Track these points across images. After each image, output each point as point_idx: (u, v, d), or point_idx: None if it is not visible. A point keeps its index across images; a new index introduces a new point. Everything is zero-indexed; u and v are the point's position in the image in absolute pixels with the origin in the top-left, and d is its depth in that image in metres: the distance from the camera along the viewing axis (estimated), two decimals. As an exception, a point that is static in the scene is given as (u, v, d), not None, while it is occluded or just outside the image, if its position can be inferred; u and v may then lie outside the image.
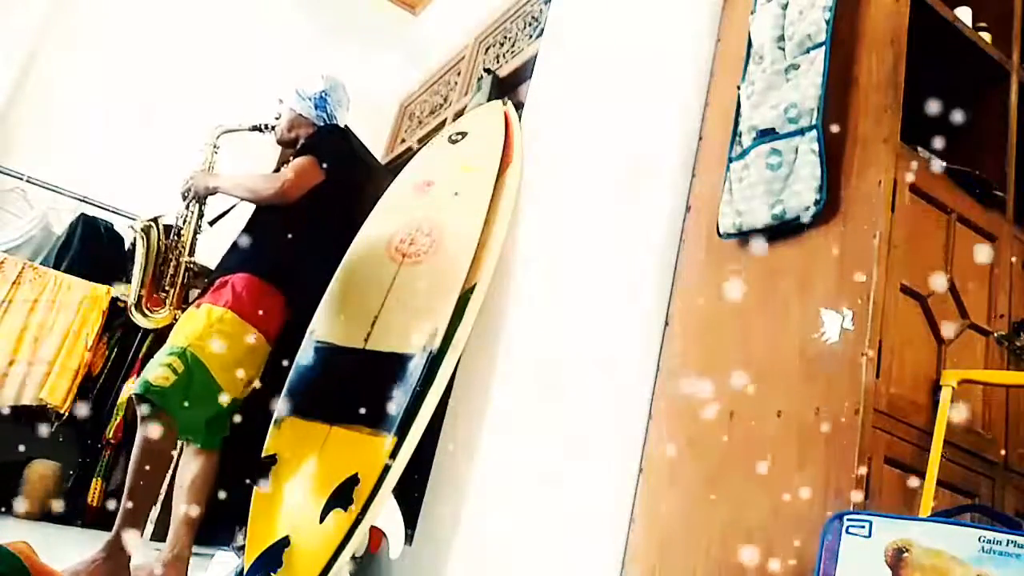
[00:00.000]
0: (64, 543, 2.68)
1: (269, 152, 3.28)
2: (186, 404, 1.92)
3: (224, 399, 2.01)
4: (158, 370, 1.92)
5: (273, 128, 2.43)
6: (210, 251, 2.37)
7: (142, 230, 2.36)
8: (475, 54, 3.62)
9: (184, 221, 2.40)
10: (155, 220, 2.39)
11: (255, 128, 2.46)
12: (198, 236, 2.41)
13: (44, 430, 3.11)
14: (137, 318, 2.34)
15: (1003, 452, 1.65)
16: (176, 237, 2.40)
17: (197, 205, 2.40)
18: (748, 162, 1.77)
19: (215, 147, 2.46)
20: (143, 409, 1.92)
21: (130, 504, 1.89)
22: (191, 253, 2.40)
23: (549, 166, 2.30)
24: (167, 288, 2.35)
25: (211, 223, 2.43)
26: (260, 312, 2.06)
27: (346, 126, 2.52)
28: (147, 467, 1.91)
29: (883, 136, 1.60)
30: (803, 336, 1.57)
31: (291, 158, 2.35)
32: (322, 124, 2.37)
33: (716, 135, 2.04)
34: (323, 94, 2.37)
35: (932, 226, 1.67)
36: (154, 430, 1.91)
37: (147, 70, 3.84)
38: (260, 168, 3.36)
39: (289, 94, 2.40)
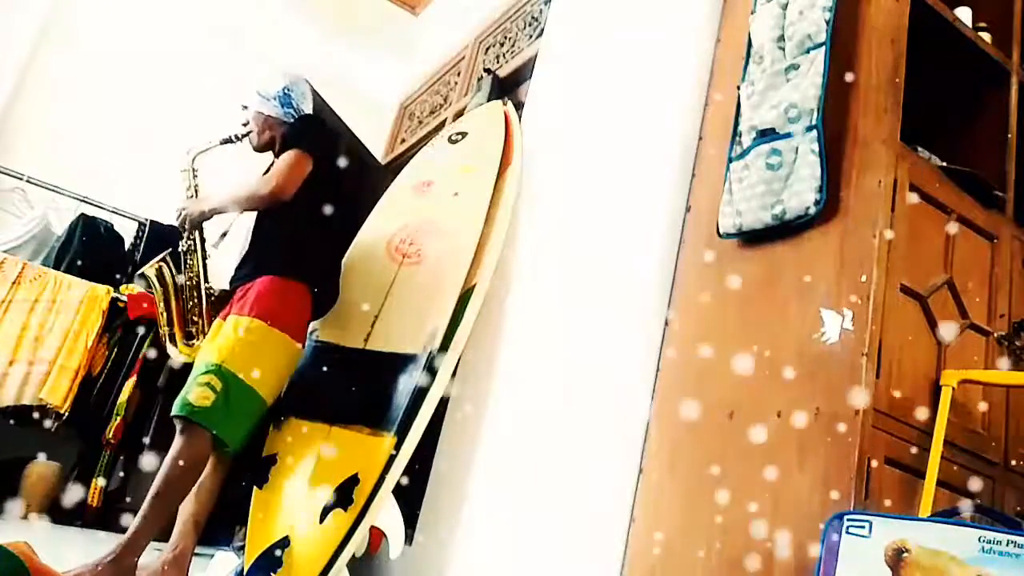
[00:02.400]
0: (64, 543, 2.68)
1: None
2: (229, 419, 1.93)
3: (265, 406, 2.02)
4: (197, 390, 1.93)
5: (244, 136, 2.40)
6: (223, 272, 2.37)
7: (155, 274, 2.36)
8: (475, 54, 3.62)
9: (190, 251, 2.39)
10: (164, 260, 2.39)
11: (226, 141, 2.40)
12: (207, 261, 2.41)
13: (44, 430, 3.12)
14: (173, 352, 2.36)
15: (1003, 452, 1.65)
16: (187, 267, 2.40)
17: (197, 232, 2.39)
18: (748, 162, 1.77)
19: (194, 171, 2.41)
20: (183, 426, 1.92)
21: (151, 511, 1.88)
22: (206, 280, 2.40)
23: (549, 166, 2.30)
24: (196, 319, 2.36)
25: (215, 245, 2.43)
26: (286, 312, 2.07)
27: (316, 111, 2.50)
28: (179, 479, 1.91)
29: (883, 136, 1.60)
30: (803, 336, 1.57)
31: (274, 158, 2.35)
32: (292, 119, 2.36)
33: (716, 135, 2.04)
34: (286, 90, 2.36)
35: (932, 226, 1.67)
36: (191, 443, 1.91)
37: (147, 70, 3.84)
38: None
39: (252, 98, 2.37)
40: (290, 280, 2.09)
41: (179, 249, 2.42)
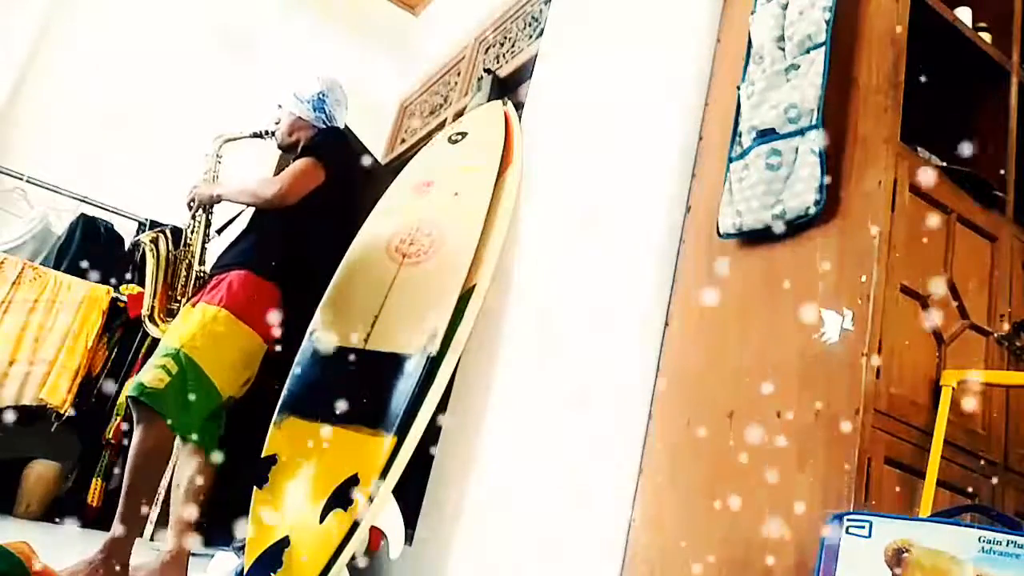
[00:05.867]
0: (64, 543, 2.68)
1: (271, 156, 3.28)
2: (181, 405, 1.92)
3: (220, 398, 2.01)
4: (152, 372, 1.93)
5: (274, 134, 2.43)
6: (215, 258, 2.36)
7: (151, 241, 2.36)
8: (475, 54, 3.62)
9: (192, 231, 2.40)
10: (163, 231, 2.39)
11: (256, 135, 2.46)
12: (207, 245, 2.41)
13: (44, 430, 3.12)
14: (151, 329, 2.35)
15: (1003, 452, 1.65)
16: (185, 247, 2.40)
17: (204, 214, 2.40)
18: (748, 162, 1.77)
19: (218, 157, 2.45)
20: (139, 412, 1.92)
21: (128, 505, 1.89)
22: (201, 263, 2.40)
23: (549, 166, 2.30)
24: (179, 298, 2.36)
25: (219, 231, 2.44)
26: (256, 310, 2.06)
27: (345, 126, 2.51)
28: (144, 468, 1.91)
29: (883, 136, 1.60)
30: (803, 336, 1.57)
31: (292, 161, 2.35)
32: (322, 125, 2.37)
33: (716, 135, 2.04)
34: (321, 95, 2.37)
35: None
36: (150, 431, 1.91)
37: (147, 70, 3.84)
38: (262, 172, 3.36)
39: (287, 98, 2.39)
40: (265, 280, 2.09)
41: (184, 228, 2.42)
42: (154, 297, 2.35)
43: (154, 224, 3.60)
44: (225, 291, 2.06)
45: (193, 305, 2.11)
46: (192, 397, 1.95)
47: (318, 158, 2.20)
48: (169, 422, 1.93)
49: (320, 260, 2.29)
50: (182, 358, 1.95)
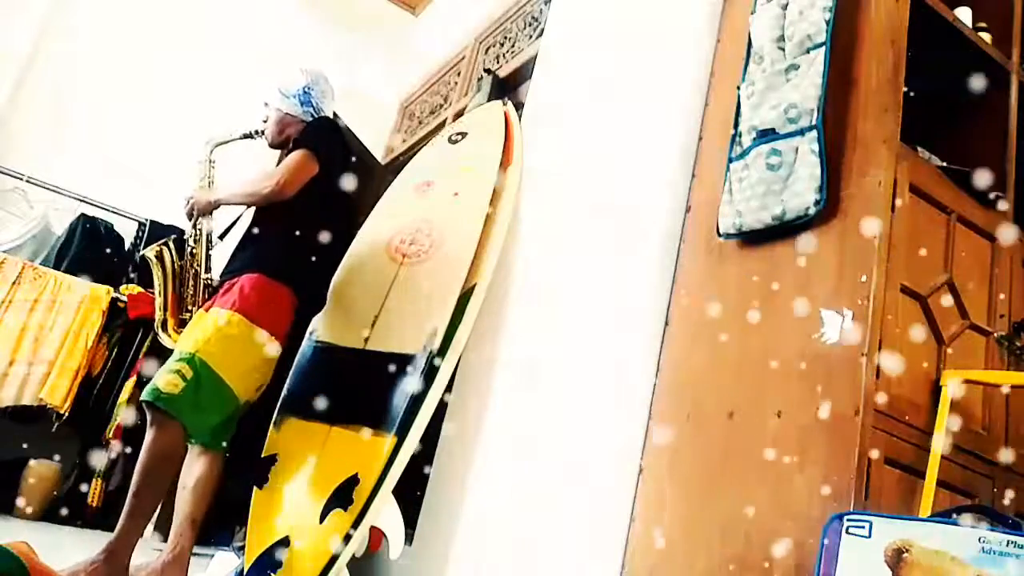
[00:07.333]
0: (64, 543, 2.68)
1: (270, 155, 3.28)
2: (196, 410, 1.92)
3: (236, 402, 2.01)
4: (167, 376, 1.92)
5: (264, 132, 2.41)
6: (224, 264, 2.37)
7: (155, 256, 2.36)
8: (475, 54, 3.62)
9: (195, 240, 2.40)
10: (166, 243, 2.39)
11: (246, 136, 2.43)
12: (211, 252, 2.41)
13: (44, 430, 3.12)
14: (164, 339, 2.35)
15: (1003, 452, 1.65)
16: (190, 256, 2.40)
17: (204, 222, 2.39)
18: (748, 162, 1.77)
19: (211, 162, 2.44)
20: (152, 415, 1.92)
21: (134, 506, 1.89)
22: (207, 270, 2.39)
23: (549, 166, 2.29)
24: (190, 307, 2.36)
25: (220, 237, 2.43)
26: (269, 312, 2.06)
27: (335, 114, 2.50)
28: (154, 471, 1.91)
29: (883, 136, 1.60)
30: (803, 336, 1.57)
31: (286, 155, 2.35)
32: (310, 119, 2.36)
33: (716, 135, 2.04)
34: (306, 89, 2.35)
35: (932, 226, 1.67)
36: (162, 435, 1.90)
37: (147, 70, 3.84)
38: (263, 169, 3.36)
39: (273, 95, 2.37)
40: (276, 282, 2.09)
41: (185, 237, 2.42)
42: (165, 309, 2.35)
43: (154, 224, 3.60)
44: (238, 295, 2.05)
45: (206, 310, 2.11)
46: (208, 402, 1.95)
47: (310, 149, 2.19)
48: (184, 427, 1.93)
49: (324, 253, 2.29)
50: (197, 363, 1.94)
